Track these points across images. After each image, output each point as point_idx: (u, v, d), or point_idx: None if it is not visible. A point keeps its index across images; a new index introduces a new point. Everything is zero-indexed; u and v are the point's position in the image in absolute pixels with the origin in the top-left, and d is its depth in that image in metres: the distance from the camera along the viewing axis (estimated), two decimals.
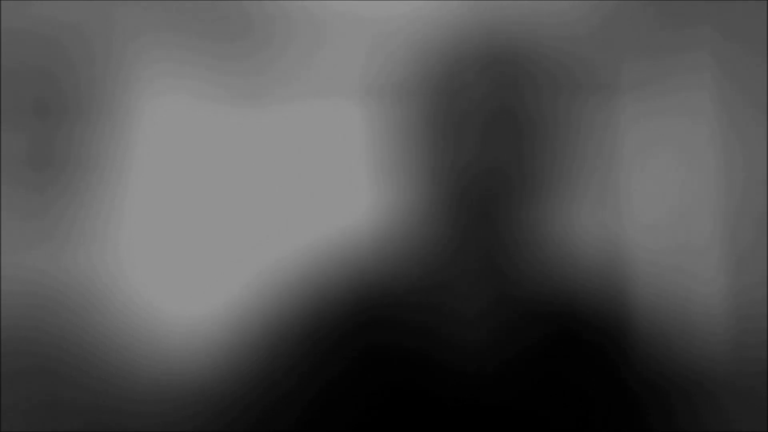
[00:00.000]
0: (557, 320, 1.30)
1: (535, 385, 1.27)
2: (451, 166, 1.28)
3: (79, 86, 2.30)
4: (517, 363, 1.28)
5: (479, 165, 1.27)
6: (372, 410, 1.27)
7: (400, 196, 1.31)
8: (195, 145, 2.31)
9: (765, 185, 2.26)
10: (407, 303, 1.29)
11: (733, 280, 2.27)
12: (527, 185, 1.29)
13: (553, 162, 1.30)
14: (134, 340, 2.27)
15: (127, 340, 2.27)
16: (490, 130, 1.28)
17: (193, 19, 2.31)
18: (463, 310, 1.29)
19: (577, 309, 1.31)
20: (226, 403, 1.33)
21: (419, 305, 1.29)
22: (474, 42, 1.30)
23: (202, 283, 2.28)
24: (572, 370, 1.29)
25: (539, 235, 1.31)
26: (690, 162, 2.31)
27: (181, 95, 2.31)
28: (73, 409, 2.25)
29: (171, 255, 2.30)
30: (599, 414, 1.29)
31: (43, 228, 2.30)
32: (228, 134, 2.31)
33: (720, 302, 2.26)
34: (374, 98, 2.25)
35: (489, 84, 1.28)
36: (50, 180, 2.30)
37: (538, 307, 1.30)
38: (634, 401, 1.31)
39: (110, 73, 2.30)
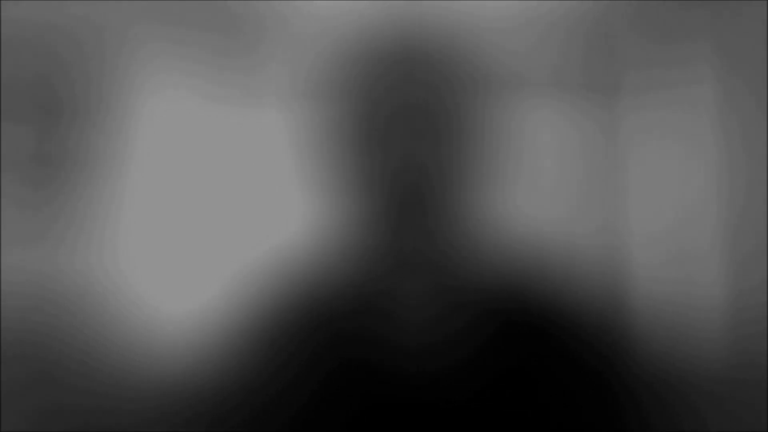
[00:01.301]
0: (508, 316, 1.30)
1: (493, 383, 1.27)
2: (382, 168, 1.28)
3: (75, 85, 2.30)
4: (470, 363, 1.28)
5: (410, 165, 1.27)
6: (335, 420, 1.28)
7: (334, 202, 1.31)
8: (192, 144, 2.31)
9: (765, 189, 2.25)
10: (352, 311, 1.29)
11: (732, 284, 2.26)
12: (460, 183, 1.29)
13: (482, 159, 1.30)
14: (132, 341, 2.27)
15: (124, 341, 2.27)
16: (416, 130, 1.28)
17: (188, 17, 2.31)
18: (408, 313, 1.29)
19: (530, 303, 1.30)
20: (215, 404, 1.33)
21: (364, 313, 1.29)
22: (397, 43, 1.29)
23: (200, 283, 2.28)
24: (531, 366, 1.29)
25: (472, 227, 1.30)
26: (689, 160, 2.30)
27: (177, 93, 2.31)
28: (72, 409, 2.25)
29: (169, 255, 2.30)
30: (564, 411, 1.29)
31: (41, 229, 2.30)
32: (224, 133, 2.31)
33: (719, 306, 2.25)
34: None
35: (413, 84, 1.28)
36: (48, 179, 2.30)
37: (485, 304, 1.29)
38: (611, 399, 1.31)
39: (106, 71, 2.30)
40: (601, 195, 2.27)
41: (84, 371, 2.26)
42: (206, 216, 2.31)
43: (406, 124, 1.27)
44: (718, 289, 2.25)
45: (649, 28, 2.29)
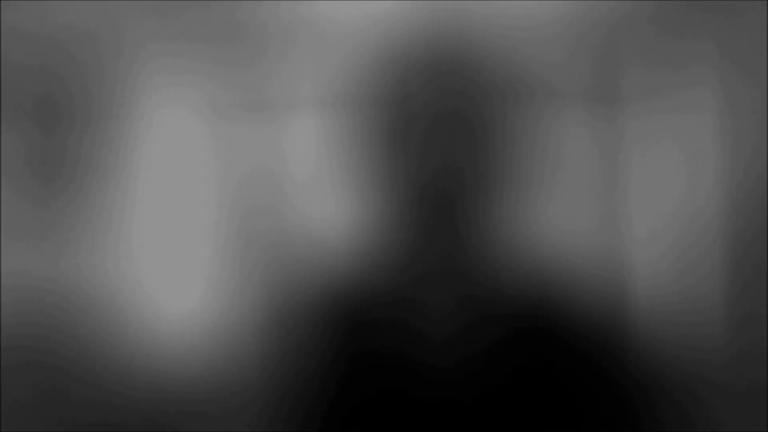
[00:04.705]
0: (525, 319, 1.31)
1: (501, 382, 1.28)
2: (415, 171, 1.29)
3: (80, 90, 2.29)
4: (483, 359, 1.29)
5: (437, 169, 1.29)
6: (353, 409, 1.29)
7: (364, 203, 1.32)
8: (196, 153, 2.31)
9: (766, 191, 2.25)
10: (378, 305, 1.31)
11: (734, 286, 2.27)
12: (485, 187, 1.30)
13: (507, 164, 1.31)
14: (134, 342, 2.27)
15: (127, 342, 2.27)
16: (444, 135, 1.29)
17: (198, 28, 2.30)
18: (429, 310, 1.31)
19: (546, 307, 1.31)
20: (220, 400, 1.34)
21: (388, 307, 1.30)
22: (425, 48, 1.31)
23: (201, 285, 2.29)
24: (545, 367, 1.30)
25: (503, 235, 1.32)
26: (690, 165, 2.31)
27: (184, 104, 2.31)
28: (77, 405, 2.25)
29: (171, 259, 2.30)
30: (576, 409, 1.30)
31: (46, 229, 2.30)
32: (229, 142, 2.31)
33: (720, 309, 2.26)
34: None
35: (441, 90, 1.29)
36: (52, 182, 2.30)
37: (503, 306, 1.31)
38: (618, 400, 1.32)
39: (113, 80, 2.30)
40: (604, 198, 2.28)
41: (88, 374, 2.26)
42: (211, 218, 2.31)
43: (433, 128, 1.29)
44: (718, 293, 2.26)
45: (653, 30, 2.30)
